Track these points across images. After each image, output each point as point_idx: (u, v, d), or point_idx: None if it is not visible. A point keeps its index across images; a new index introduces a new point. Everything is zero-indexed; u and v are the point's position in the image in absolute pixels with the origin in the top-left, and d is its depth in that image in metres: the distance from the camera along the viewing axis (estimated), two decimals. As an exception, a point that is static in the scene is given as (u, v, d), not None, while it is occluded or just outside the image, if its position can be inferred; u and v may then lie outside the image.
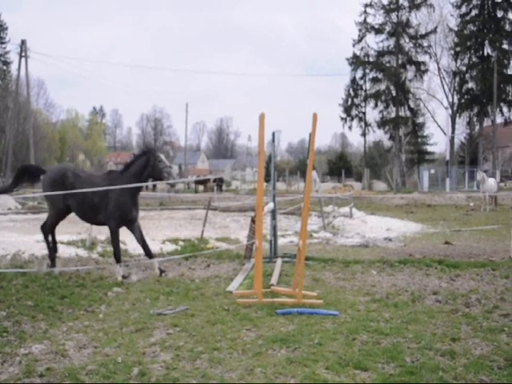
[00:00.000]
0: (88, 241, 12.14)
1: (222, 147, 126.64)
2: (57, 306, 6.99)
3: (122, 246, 12.01)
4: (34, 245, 11.66)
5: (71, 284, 8.38)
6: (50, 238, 9.77)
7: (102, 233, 13.24)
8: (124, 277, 8.88)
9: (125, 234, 12.96)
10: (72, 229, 15.76)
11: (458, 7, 59.26)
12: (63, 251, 11.23)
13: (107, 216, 9.20)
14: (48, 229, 9.74)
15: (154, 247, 12.02)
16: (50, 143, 74.85)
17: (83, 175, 9.62)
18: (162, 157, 9.55)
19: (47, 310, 6.79)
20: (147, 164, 9.38)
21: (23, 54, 45.27)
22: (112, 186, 8.98)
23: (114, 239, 9.39)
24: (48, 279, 8.61)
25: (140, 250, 11.60)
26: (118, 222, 9.33)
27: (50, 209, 10.03)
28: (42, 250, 11.18)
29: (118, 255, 9.26)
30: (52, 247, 9.76)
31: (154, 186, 45.26)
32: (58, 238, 12.51)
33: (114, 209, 9.15)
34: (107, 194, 9.07)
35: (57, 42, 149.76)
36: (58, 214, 9.73)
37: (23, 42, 45.33)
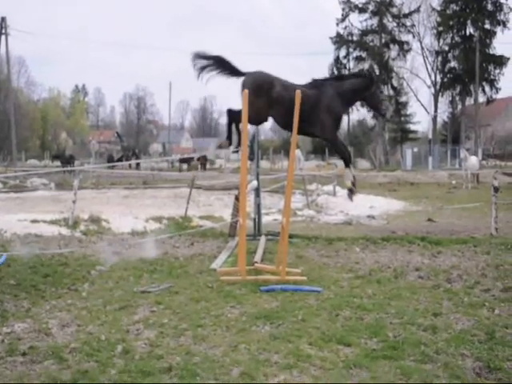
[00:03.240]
0: (71, 219, 12.05)
1: (206, 126, 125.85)
2: (40, 285, 6.94)
3: (104, 224, 12.00)
4: (15, 224, 11.54)
5: (54, 263, 8.31)
6: None
7: (85, 211, 13.17)
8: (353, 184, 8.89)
9: (108, 211, 12.89)
10: (54, 207, 15.66)
11: (441, -14, 59.13)
12: (45, 230, 11.14)
13: (323, 128, 8.79)
14: None
15: (138, 226, 11.99)
16: (32, 122, 73.90)
17: (289, 84, 8.96)
18: (382, 90, 9.29)
19: (30, 289, 6.75)
20: (366, 88, 8.94)
21: (3, 31, 44.35)
22: (320, 94, 8.68)
23: (340, 146, 9.05)
24: (31, 258, 8.54)
25: (123, 229, 11.59)
26: (335, 130, 8.98)
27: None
28: (24, 228, 11.10)
29: (347, 160, 8.94)
30: None
31: (138, 164, 45.03)
32: (40, 216, 12.45)
33: (327, 117, 8.74)
34: (318, 104, 8.67)
35: (38, 20, 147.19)
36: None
37: (3, 19, 44.39)
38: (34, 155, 68.68)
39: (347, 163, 8.97)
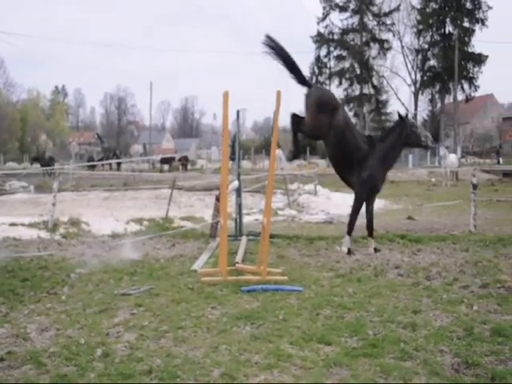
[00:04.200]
0: (50, 222, 11.93)
1: (187, 126, 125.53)
2: (18, 289, 6.85)
3: (84, 226, 11.91)
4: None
5: (33, 266, 8.21)
6: None
7: (65, 214, 13.06)
8: (349, 250, 9.07)
9: (88, 214, 12.80)
10: (34, 210, 15.52)
11: (420, -15, 59.65)
12: (24, 233, 11.02)
13: (359, 182, 9.10)
14: None
15: (118, 228, 11.92)
16: (11, 123, 73.13)
17: (352, 124, 9.43)
18: (416, 123, 9.39)
19: (8, 293, 6.65)
20: (402, 134, 9.18)
21: (-21, 31, 43.84)
22: (370, 150, 9.00)
23: (356, 208, 9.35)
24: (9, 262, 8.44)
25: (103, 231, 11.51)
26: (368, 192, 9.25)
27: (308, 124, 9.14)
28: (2, 232, 10.98)
29: (351, 226, 9.31)
30: None
31: (119, 164, 44.77)
32: (19, 220, 12.32)
33: (367, 177, 9.03)
34: (365, 162, 8.98)
35: (16, 21, 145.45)
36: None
37: (-21, 20, 43.88)
38: (13, 157, 67.95)
39: (349, 230, 9.36)
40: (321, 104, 8.83)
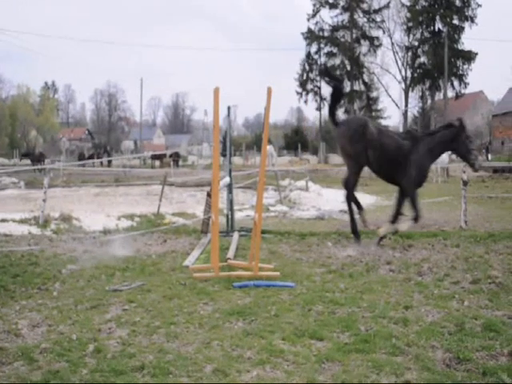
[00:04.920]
0: (41, 218, 11.88)
1: (178, 122, 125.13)
2: (9, 285, 6.82)
3: (75, 222, 11.87)
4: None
5: (24, 262, 8.18)
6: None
7: (55, 210, 13.01)
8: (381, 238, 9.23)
9: (79, 210, 12.76)
10: (24, 206, 15.45)
11: (411, -18, 59.79)
12: (15, 229, 10.97)
13: (407, 179, 9.16)
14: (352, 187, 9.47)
15: (110, 224, 11.89)
16: (1, 120, 72.65)
17: (384, 129, 9.54)
18: (473, 139, 9.37)
19: (-1, 289, 6.64)
20: (455, 139, 9.21)
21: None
22: (413, 145, 9.07)
23: (415, 199, 9.37)
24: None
25: (95, 227, 11.47)
26: (416, 185, 9.31)
27: (349, 169, 9.51)
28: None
29: (417, 212, 9.29)
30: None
31: (110, 161, 44.61)
32: (9, 216, 12.26)
33: (414, 173, 9.09)
34: (409, 157, 9.04)
35: (4, 16, 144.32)
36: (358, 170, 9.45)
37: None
38: (3, 153, 67.54)
39: (416, 218, 9.35)
40: (350, 137, 9.18)
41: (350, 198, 9.48)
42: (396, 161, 9.16)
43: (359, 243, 9.33)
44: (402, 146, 9.19)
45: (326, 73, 9.83)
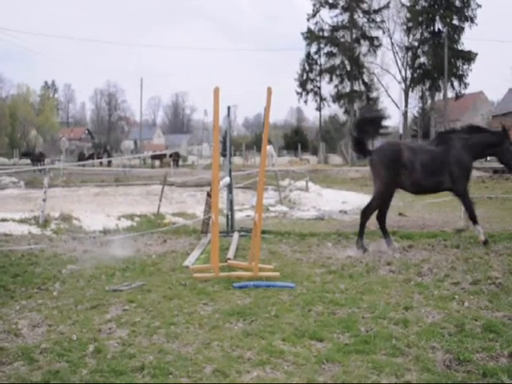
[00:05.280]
0: (41, 218, 11.89)
1: (178, 122, 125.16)
2: (9, 285, 6.82)
3: (75, 222, 11.86)
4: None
5: (24, 262, 8.18)
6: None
7: (56, 210, 13.01)
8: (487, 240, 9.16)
9: (79, 209, 12.76)
10: (24, 206, 15.44)
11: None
12: (15, 229, 10.97)
13: (453, 180, 9.11)
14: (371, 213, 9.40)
15: (110, 224, 11.89)
16: (0, 119, 72.67)
17: (417, 146, 9.50)
18: None
19: (-1, 289, 6.64)
20: (498, 144, 9.22)
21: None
22: (447, 147, 9.08)
23: (466, 201, 9.31)
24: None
25: (95, 227, 11.47)
26: (465, 183, 9.26)
27: (378, 193, 9.39)
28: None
29: (473, 216, 9.26)
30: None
31: (109, 161, 44.61)
32: (9, 215, 12.25)
33: (457, 170, 9.05)
34: (447, 158, 9.01)
35: (3, 16, 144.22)
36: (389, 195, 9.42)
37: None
38: (3, 153, 67.54)
39: (474, 220, 9.35)
40: (385, 165, 9.14)
41: (367, 219, 9.39)
42: (436, 170, 9.15)
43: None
44: (436, 154, 9.20)
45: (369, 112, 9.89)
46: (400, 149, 9.23)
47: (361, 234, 9.23)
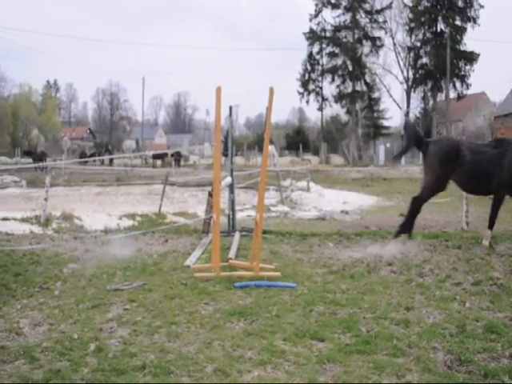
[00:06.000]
0: (42, 217, 11.89)
1: (180, 122, 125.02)
2: (11, 284, 6.83)
3: (77, 221, 11.87)
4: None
5: (25, 261, 8.19)
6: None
7: (57, 209, 13.02)
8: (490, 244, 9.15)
9: (80, 209, 12.76)
10: (26, 205, 15.46)
11: (413, -17, 59.71)
12: (16, 228, 10.98)
13: (500, 184, 9.14)
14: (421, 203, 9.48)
15: (111, 223, 11.90)
16: (2, 118, 72.66)
17: (474, 146, 9.54)
18: None
19: (0, 288, 6.63)
20: None
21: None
22: (502, 150, 9.12)
23: (497, 207, 9.38)
24: (1, 257, 8.40)
25: (96, 226, 11.48)
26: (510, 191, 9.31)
27: (431, 183, 9.47)
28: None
29: (493, 222, 9.33)
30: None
31: (111, 160, 44.63)
32: (11, 214, 12.26)
33: (507, 176, 9.07)
34: (500, 162, 9.04)
35: (5, 14, 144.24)
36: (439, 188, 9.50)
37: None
38: (5, 152, 67.54)
39: (491, 224, 9.42)
40: (441, 159, 9.20)
41: (417, 210, 9.50)
42: (490, 172, 9.16)
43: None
44: (492, 156, 9.22)
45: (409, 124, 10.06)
46: (458, 146, 9.33)
47: (407, 224, 9.39)
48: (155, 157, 48.89)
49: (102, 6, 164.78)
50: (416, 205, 9.46)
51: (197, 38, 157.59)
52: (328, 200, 18.10)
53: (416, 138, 9.73)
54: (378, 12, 61.39)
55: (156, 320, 5.46)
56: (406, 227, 9.44)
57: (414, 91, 62.50)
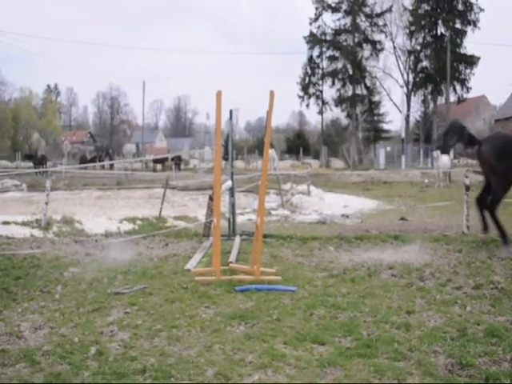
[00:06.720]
0: (43, 221, 11.89)
1: (180, 126, 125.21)
2: (11, 288, 6.83)
3: (77, 225, 11.87)
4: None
5: (26, 265, 8.19)
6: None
7: (58, 213, 13.02)
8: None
9: (81, 212, 12.76)
10: (26, 209, 15.46)
11: (413, -14, 59.78)
12: (17, 231, 10.98)
13: None
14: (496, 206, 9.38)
15: (112, 227, 11.89)
16: (3, 122, 72.69)
17: None
18: None
19: (1, 292, 6.63)
20: None
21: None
22: None
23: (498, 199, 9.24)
24: (1, 260, 8.40)
25: (97, 230, 11.48)
26: None
27: (497, 183, 9.33)
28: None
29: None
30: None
31: (111, 164, 44.64)
32: (11, 218, 12.26)
33: None
34: None
35: (5, 18, 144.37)
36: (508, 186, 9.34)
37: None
38: (5, 156, 67.57)
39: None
40: (497, 155, 9.07)
41: (495, 215, 9.43)
42: None
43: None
44: None
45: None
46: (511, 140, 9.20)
47: (484, 223, 9.48)
48: (155, 161, 48.95)
49: (101, 6, 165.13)
50: (491, 208, 9.37)
51: (197, 41, 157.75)
52: (328, 204, 18.09)
53: (468, 136, 9.60)
54: (378, 15, 61.47)
55: (156, 323, 5.46)
56: (503, 235, 9.32)
57: (415, 95, 62.58)
